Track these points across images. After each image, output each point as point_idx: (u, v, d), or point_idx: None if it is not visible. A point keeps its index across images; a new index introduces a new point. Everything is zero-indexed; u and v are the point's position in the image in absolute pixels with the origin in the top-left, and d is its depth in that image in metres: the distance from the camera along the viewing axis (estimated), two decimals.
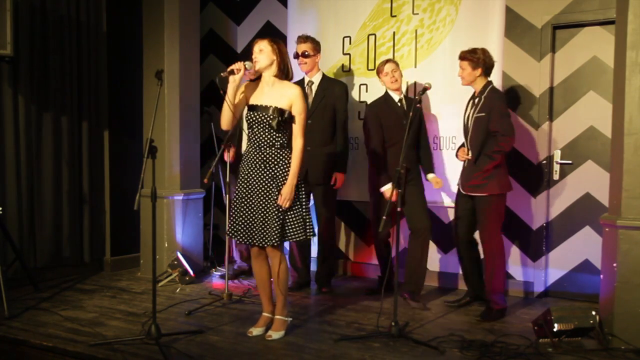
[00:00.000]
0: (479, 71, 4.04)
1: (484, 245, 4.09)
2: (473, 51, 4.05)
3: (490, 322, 3.98)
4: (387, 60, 4.51)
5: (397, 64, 4.50)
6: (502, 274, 4.12)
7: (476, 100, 4.10)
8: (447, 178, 4.81)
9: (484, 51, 4.06)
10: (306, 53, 4.64)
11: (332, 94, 4.64)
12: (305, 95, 3.64)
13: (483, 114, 3.99)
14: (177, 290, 4.80)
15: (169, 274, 5.06)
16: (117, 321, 3.96)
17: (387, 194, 4.27)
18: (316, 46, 4.70)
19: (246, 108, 3.57)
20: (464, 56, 4.07)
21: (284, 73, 3.51)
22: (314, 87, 4.68)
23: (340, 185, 4.74)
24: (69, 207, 5.20)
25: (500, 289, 4.10)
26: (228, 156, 4.70)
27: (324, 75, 4.77)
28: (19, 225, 4.87)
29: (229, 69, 3.43)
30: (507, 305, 4.16)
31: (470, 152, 4.10)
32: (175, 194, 5.28)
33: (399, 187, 3.62)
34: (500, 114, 3.97)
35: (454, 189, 4.53)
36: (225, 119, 3.51)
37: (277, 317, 3.65)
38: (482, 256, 4.23)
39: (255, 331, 3.65)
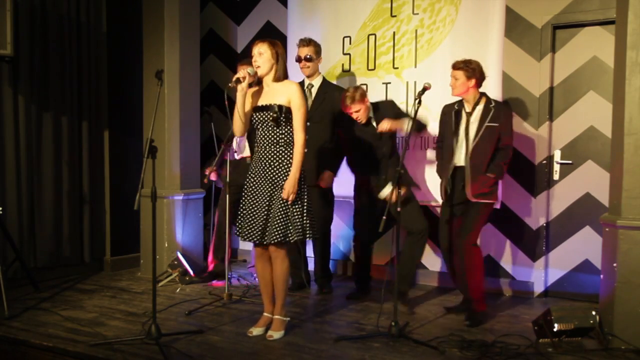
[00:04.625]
0: (472, 82, 3.95)
1: (466, 244, 3.97)
2: (468, 62, 3.99)
3: (489, 322, 3.98)
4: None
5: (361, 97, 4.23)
6: (483, 273, 4.13)
7: (469, 110, 3.98)
8: None
9: (478, 63, 4.01)
10: (309, 57, 4.59)
11: (331, 99, 4.59)
12: (305, 97, 3.64)
13: (496, 124, 3.92)
14: (177, 290, 4.80)
15: (169, 274, 5.06)
16: (117, 321, 3.96)
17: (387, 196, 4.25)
18: (318, 49, 4.66)
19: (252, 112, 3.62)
20: (459, 66, 3.99)
21: (282, 76, 3.56)
22: (314, 91, 4.65)
23: (325, 185, 4.60)
24: (69, 207, 5.20)
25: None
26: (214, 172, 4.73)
27: (324, 79, 4.74)
28: (19, 225, 4.87)
29: (234, 78, 3.48)
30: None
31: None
32: (175, 194, 5.28)
33: (399, 188, 3.62)
34: (511, 128, 4.04)
35: None
36: (237, 127, 3.58)
37: (275, 317, 3.65)
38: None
39: (255, 331, 3.66)
